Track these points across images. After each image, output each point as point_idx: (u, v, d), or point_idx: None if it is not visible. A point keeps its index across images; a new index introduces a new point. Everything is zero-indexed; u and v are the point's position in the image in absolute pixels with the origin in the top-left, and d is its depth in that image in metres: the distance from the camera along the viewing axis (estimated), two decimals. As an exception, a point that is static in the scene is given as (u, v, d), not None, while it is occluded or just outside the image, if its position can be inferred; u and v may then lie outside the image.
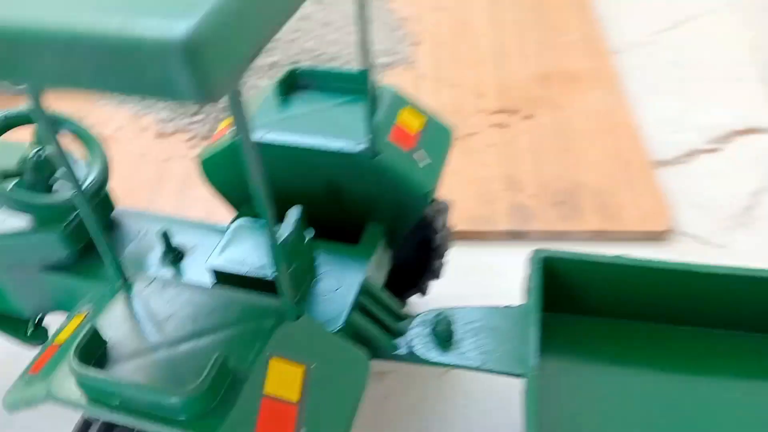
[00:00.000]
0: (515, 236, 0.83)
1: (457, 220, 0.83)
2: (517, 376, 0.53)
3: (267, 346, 0.42)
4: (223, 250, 0.54)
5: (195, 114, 1.01)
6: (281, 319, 0.45)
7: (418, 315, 0.58)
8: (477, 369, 0.54)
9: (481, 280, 0.79)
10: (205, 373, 0.39)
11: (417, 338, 0.56)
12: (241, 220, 0.56)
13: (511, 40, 1.15)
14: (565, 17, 1.19)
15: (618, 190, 0.86)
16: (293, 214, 0.51)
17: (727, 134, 0.96)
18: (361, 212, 0.60)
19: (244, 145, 0.36)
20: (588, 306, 0.61)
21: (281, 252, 0.42)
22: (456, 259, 0.80)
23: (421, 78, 1.08)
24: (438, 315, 0.56)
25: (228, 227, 0.56)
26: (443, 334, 0.55)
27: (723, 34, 1.16)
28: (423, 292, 0.71)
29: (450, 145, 0.64)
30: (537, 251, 0.59)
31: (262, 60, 1.04)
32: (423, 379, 0.70)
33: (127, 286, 0.48)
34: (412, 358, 0.56)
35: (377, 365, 0.70)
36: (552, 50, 1.12)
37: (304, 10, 1.15)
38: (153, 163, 0.95)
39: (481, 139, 0.96)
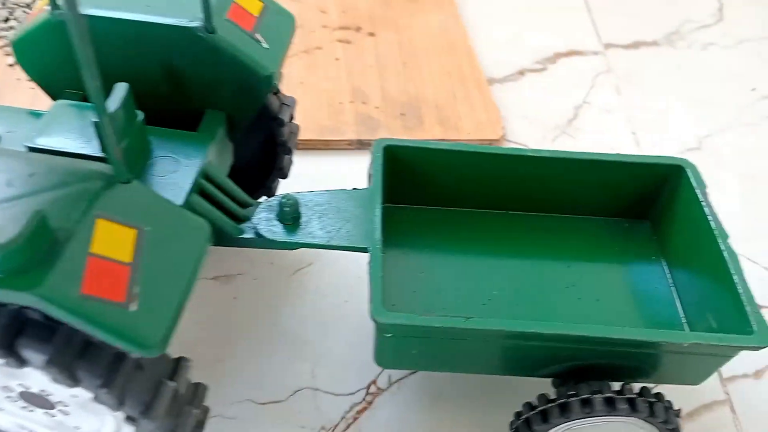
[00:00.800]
0: (362, 145, 0.84)
1: (305, 130, 0.84)
2: (362, 250, 0.55)
3: (93, 207, 0.40)
4: (41, 130, 0.49)
5: (6, 20, 0.92)
6: (110, 182, 0.42)
7: (262, 202, 0.58)
8: (323, 246, 0.56)
9: (330, 188, 0.80)
10: (20, 229, 0.36)
11: (263, 222, 0.56)
12: (61, 102, 0.52)
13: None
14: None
15: (456, 103, 0.90)
16: (120, 89, 0.48)
17: (553, 56, 1.03)
18: (199, 98, 0.58)
19: (68, 10, 0.33)
20: (430, 195, 0.65)
21: (108, 121, 0.39)
22: (304, 168, 0.81)
23: (263, -7, 1.05)
24: (284, 198, 0.57)
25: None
26: (289, 215, 0.56)
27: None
28: (271, 192, 0.71)
29: (292, 32, 0.63)
30: (379, 140, 0.62)
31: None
32: (273, 279, 0.71)
33: None
34: (258, 241, 0.56)
35: (224, 267, 0.70)
36: (392, -27, 1.13)
37: None
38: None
39: (326, 53, 0.96)
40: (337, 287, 0.70)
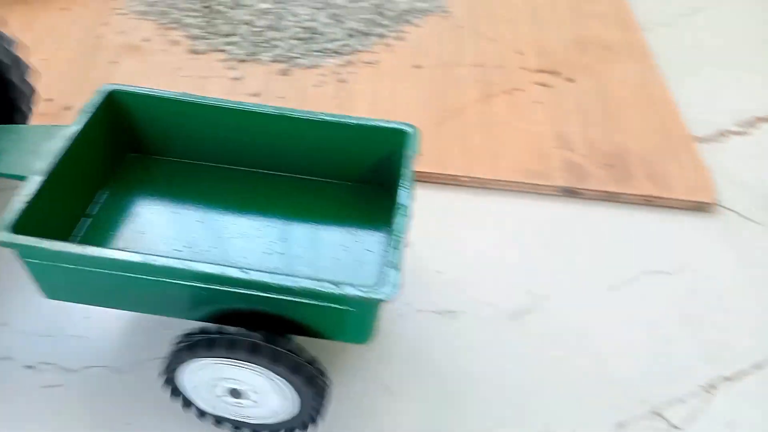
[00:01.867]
0: (569, 193, 0.83)
1: (512, 171, 0.83)
2: (17, 178, 0.55)
3: None
4: None
5: (228, 35, 0.95)
6: None
7: None
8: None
9: (542, 231, 0.79)
10: None
11: None
12: None
13: (543, 3, 1.15)
14: (593, -12, 1.20)
15: (663, 159, 0.88)
16: None
17: (754, 120, 1.00)
18: None
19: None
20: (162, 147, 0.65)
21: None
22: (507, 208, 0.80)
23: (459, 29, 1.06)
24: None
25: None
26: None
27: (739, 22, 1.20)
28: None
29: None
30: (105, 85, 0.61)
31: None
32: (490, 320, 0.70)
33: None
34: None
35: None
36: (584, 18, 1.13)
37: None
38: (190, 80, 0.89)
39: (527, 95, 0.95)
40: (559, 335, 0.69)
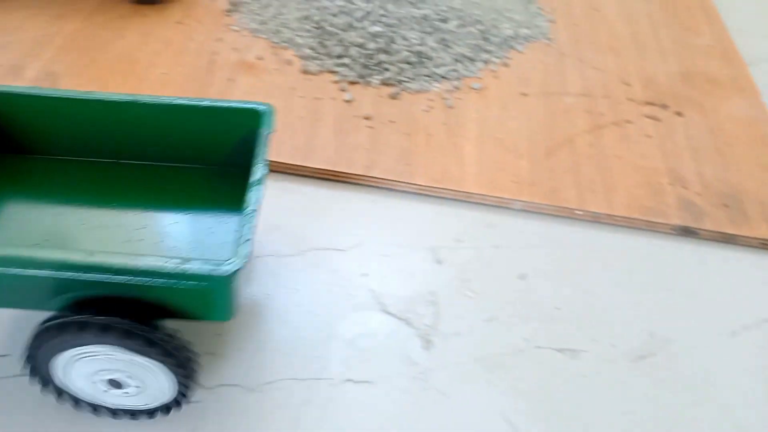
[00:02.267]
0: (686, 233, 0.82)
1: (624, 207, 0.82)
2: None
3: None
4: None
5: (340, 56, 0.97)
6: None
7: None
8: None
9: (659, 271, 0.78)
10: None
11: None
12: None
13: (646, 34, 1.13)
14: (696, 20, 1.19)
15: (781, 202, 0.86)
16: None
17: None
18: None
19: None
20: (17, 144, 0.64)
21: None
22: (621, 243, 0.80)
23: (563, 57, 1.06)
24: None
25: None
26: None
27: None
28: None
29: None
30: None
31: (414, 12, 1.00)
32: (616, 361, 0.69)
33: None
34: None
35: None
36: (687, 51, 1.11)
37: (451, -34, 1.11)
38: (305, 100, 0.91)
39: (636, 128, 0.94)
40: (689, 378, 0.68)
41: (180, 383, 0.55)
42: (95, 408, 0.59)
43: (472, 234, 0.78)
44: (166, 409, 0.58)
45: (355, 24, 0.98)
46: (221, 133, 0.63)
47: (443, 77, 0.97)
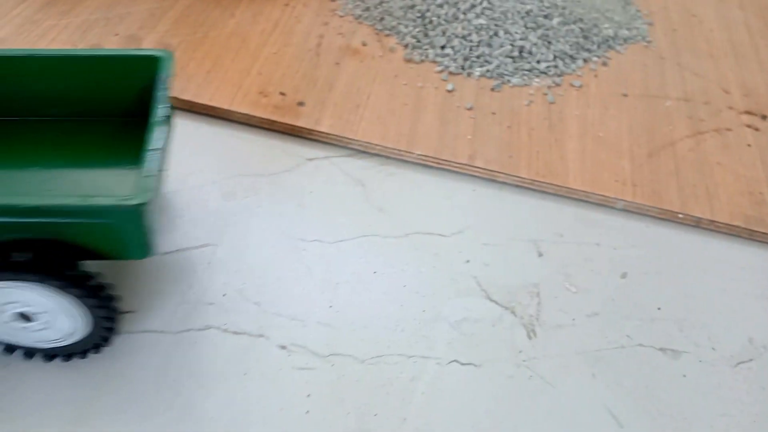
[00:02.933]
0: (787, 243, 0.82)
1: (727, 215, 0.82)
2: None
3: None
4: None
5: (443, 47, 0.98)
6: None
7: None
8: None
9: (760, 280, 0.78)
10: None
11: None
12: None
13: (743, 42, 1.12)
14: (797, 31, 1.17)
15: None
16: None
17: None
18: None
19: None
20: None
21: None
22: (724, 254, 0.80)
23: (662, 60, 1.05)
24: None
25: None
26: None
27: None
28: None
29: None
30: None
31: (519, 6, 1.01)
32: (717, 365, 0.70)
33: None
34: None
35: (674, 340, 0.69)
36: (788, 61, 1.10)
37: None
38: (408, 88, 0.92)
39: (736, 136, 0.94)
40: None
41: (99, 324, 0.57)
42: (10, 349, 0.61)
43: (574, 230, 0.79)
44: (82, 352, 0.61)
45: (460, 15, 1.00)
46: (123, 83, 0.63)
47: (544, 73, 0.98)
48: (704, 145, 0.92)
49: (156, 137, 0.55)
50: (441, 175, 0.84)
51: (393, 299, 0.71)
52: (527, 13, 1.01)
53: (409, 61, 0.97)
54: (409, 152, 0.85)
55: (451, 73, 0.96)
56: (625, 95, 0.97)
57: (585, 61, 1.02)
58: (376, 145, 0.85)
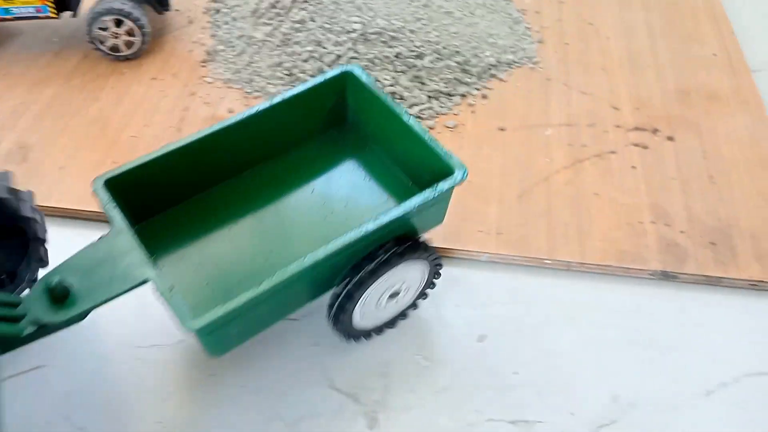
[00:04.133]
0: (666, 277, 0.76)
1: (603, 253, 0.78)
2: (143, 283, 0.55)
3: None
4: None
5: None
6: None
7: (25, 295, 0.56)
8: (108, 300, 0.55)
9: (628, 323, 0.73)
10: None
11: (38, 311, 0.55)
12: None
13: (643, 47, 1.07)
14: (700, 27, 1.11)
15: (776, 234, 0.80)
16: None
17: None
18: None
19: None
20: (173, 196, 0.68)
21: None
22: (597, 295, 0.75)
23: (548, 82, 1.01)
24: (45, 279, 0.55)
25: None
26: (60, 293, 0.55)
27: None
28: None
29: None
30: (96, 178, 0.61)
31: (386, 51, 0.97)
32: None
33: None
34: (43, 331, 0.55)
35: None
36: (688, 63, 1.04)
37: (427, -5, 1.07)
38: (269, 156, 0.90)
39: (621, 159, 0.89)
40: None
41: (430, 277, 0.69)
42: (376, 331, 0.70)
43: (433, 292, 0.75)
44: (413, 305, 0.71)
45: (326, 69, 0.96)
46: (321, 105, 0.73)
47: (418, 117, 0.94)
48: (583, 174, 0.87)
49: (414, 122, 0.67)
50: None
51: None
52: (396, 56, 0.97)
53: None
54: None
55: (319, 131, 0.93)
56: (503, 129, 0.93)
57: (463, 96, 0.97)
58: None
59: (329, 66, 0.97)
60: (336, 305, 0.63)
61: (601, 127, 0.93)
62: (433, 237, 0.78)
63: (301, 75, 0.97)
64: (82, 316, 0.56)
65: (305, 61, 0.98)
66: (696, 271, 0.76)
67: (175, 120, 0.95)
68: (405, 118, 0.67)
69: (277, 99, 0.69)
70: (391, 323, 0.71)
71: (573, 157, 0.89)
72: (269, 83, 0.99)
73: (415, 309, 0.72)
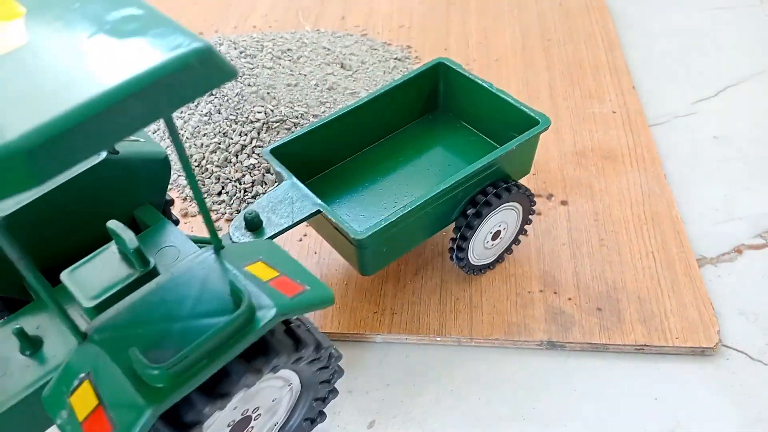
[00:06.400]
0: (552, 346, 0.78)
1: (491, 326, 0.80)
2: (315, 214, 0.71)
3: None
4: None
5: (219, 193, 0.98)
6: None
7: (231, 223, 0.72)
8: (290, 227, 0.70)
9: (516, 396, 0.75)
10: None
11: (241, 238, 0.70)
12: None
13: (545, 109, 1.11)
14: (602, 84, 1.15)
15: (661, 295, 0.82)
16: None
17: (775, 229, 0.91)
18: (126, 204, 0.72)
19: None
20: (327, 161, 0.87)
21: None
22: (488, 367, 0.77)
23: (452, 153, 1.04)
24: (245, 213, 0.70)
25: None
26: (254, 222, 0.70)
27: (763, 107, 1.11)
28: None
29: None
30: (264, 149, 0.79)
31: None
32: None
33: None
34: None
35: None
36: (587, 122, 1.08)
37: (332, 78, 1.11)
38: (175, 251, 0.92)
39: (515, 228, 0.91)
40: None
41: (524, 219, 0.84)
42: (482, 268, 0.84)
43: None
44: (509, 250, 0.86)
45: (231, 158, 1.00)
46: (420, 94, 0.91)
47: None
48: (477, 246, 0.89)
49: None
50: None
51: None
52: (299, 140, 1.01)
53: (185, 215, 0.97)
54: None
55: (227, 220, 0.96)
56: (404, 205, 0.96)
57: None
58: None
59: (235, 156, 1.00)
60: (456, 245, 0.78)
61: (498, 196, 0.96)
62: (328, 319, 0.80)
63: (209, 166, 1.01)
64: (272, 237, 0.70)
65: (213, 152, 1.02)
66: (581, 338, 0.78)
67: (89, 220, 0.98)
68: (492, 88, 0.83)
69: (384, 87, 0.87)
70: (500, 258, 0.85)
71: (469, 229, 0.92)
72: (180, 175, 1.02)
73: (517, 244, 0.86)
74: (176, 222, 0.80)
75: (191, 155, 1.03)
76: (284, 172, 0.76)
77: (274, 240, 0.68)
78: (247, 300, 0.52)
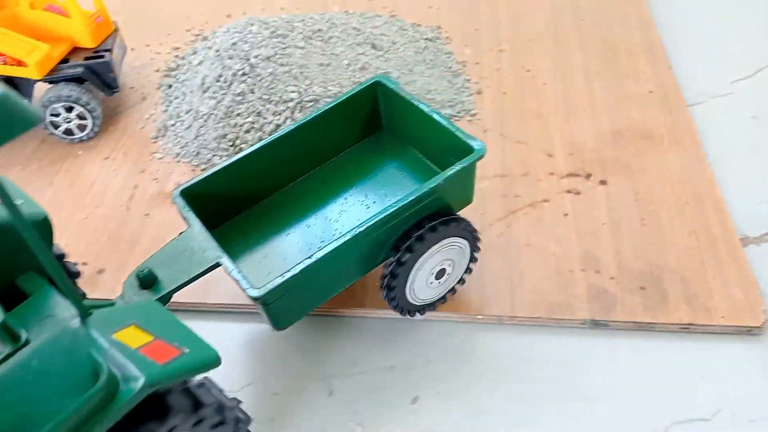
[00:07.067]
0: (596, 326, 0.78)
1: (533, 306, 0.79)
2: (215, 266, 0.66)
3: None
4: None
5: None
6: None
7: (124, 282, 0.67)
8: (188, 282, 0.66)
9: (559, 375, 0.74)
10: None
11: (134, 297, 0.65)
12: None
13: (579, 89, 1.09)
14: (637, 64, 1.13)
15: (705, 275, 0.81)
16: None
17: (820, 207, 0.89)
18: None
19: None
20: (239, 202, 0.79)
21: None
22: (527, 346, 0.76)
23: (486, 133, 1.03)
24: (137, 270, 0.66)
25: None
26: (149, 280, 0.65)
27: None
28: None
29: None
30: (174, 190, 0.73)
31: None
32: None
33: None
34: None
35: None
36: (622, 103, 1.06)
37: (363, 58, 1.10)
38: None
39: (553, 207, 0.91)
40: None
41: (471, 258, 0.76)
42: (421, 309, 0.77)
43: (368, 356, 0.77)
44: (452, 290, 0.78)
45: (265, 138, 0.99)
46: (356, 113, 0.82)
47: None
48: (516, 225, 0.89)
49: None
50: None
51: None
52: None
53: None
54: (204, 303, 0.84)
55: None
56: (440, 185, 0.95)
57: (402, 154, 1.00)
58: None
59: (269, 135, 1.00)
60: (385, 284, 0.71)
61: (534, 176, 0.95)
62: (368, 299, 0.80)
63: (243, 145, 1.01)
64: (167, 298, 0.66)
65: (247, 132, 1.01)
66: (625, 317, 0.77)
67: (124, 198, 0.98)
68: (427, 110, 0.76)
69: (315, 112, 0.80)
70: (441, 299, 0.78)
71: (507, 209, 0.91)
72: (215, 155, 1.02)
73: (462, 284, 0.79)
74: (76, 274, 0.74)
75: (225, 134, 1.02)
76: (190, 218, 0.70)
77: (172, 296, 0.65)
78: (107, 373, 0.47)
